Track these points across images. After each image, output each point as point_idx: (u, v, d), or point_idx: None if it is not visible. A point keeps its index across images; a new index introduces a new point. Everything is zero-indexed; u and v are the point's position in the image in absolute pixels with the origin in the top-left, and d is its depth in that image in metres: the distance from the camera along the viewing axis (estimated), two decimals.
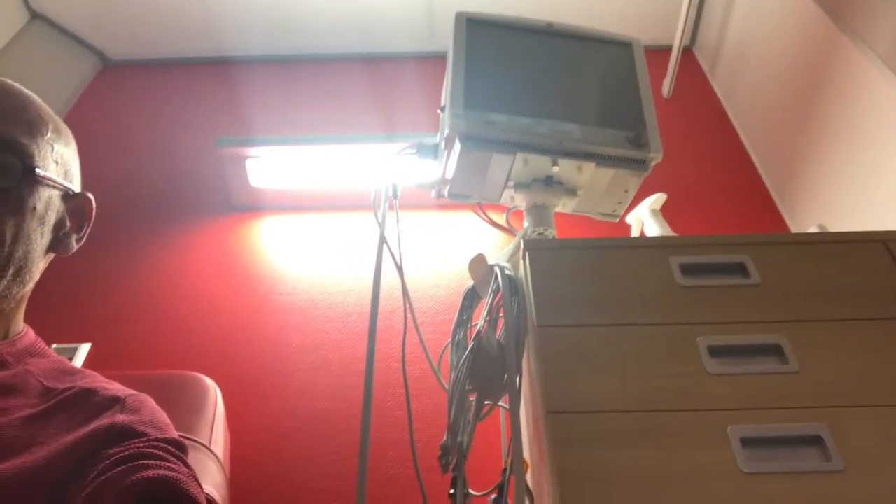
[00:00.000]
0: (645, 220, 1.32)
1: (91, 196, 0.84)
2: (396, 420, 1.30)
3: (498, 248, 1.64)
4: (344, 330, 1.47)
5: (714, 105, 2.02)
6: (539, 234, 1.17)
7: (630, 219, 1.37)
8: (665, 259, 1.00)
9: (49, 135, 0.77)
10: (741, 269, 0.99)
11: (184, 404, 1.02)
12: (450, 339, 1.13)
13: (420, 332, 1.20)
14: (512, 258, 1.19)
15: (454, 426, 0.92)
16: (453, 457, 0.93)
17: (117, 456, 0.61)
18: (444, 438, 0.94)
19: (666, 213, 1.33)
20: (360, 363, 1.41)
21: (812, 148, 1.70)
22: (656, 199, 1.33)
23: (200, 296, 1.55)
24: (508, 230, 1.64)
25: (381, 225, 1.18)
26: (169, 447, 0.66)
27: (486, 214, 1.69)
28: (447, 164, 1.24)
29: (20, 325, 0.78)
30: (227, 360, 1.42)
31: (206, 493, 0.85)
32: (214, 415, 1.02)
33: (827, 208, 1.62)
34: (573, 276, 0.98)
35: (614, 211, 1.26)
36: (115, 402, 0.69)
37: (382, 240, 1.17)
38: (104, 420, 0.66)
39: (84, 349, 1.45)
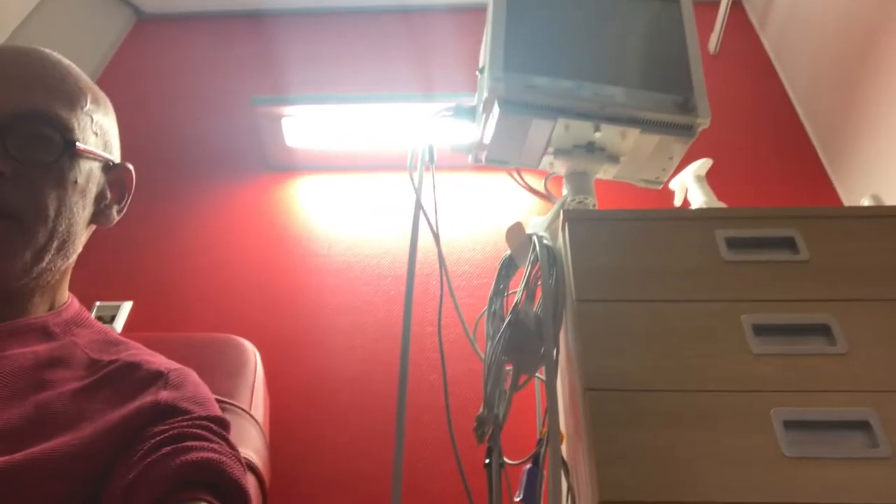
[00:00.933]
0: (689, 186, 1.28)
1: (131, 167, 0.84)
2: (431, 384, 1.32)
3: (535, 211, 1.61)
4: (379, 293, 1.48)
5: (763, 63, 1.93)
6: (579, 202, 1.15)
7: (674, 185, 1.33)
8: (710, 232, 0.97)
9: (88, 106, 0.76)
10: (790, 244, 0.95)
11: (224, 368, 1.04)
12: (486, 308, 1.13)
13: (455, 298, 1.19)
14: (551, 226, 1.16)
15: (490, 399, 0.92)
16: (489, 428, 0.93)
17: (161, 436, 0.62)
18: (481, 410, 0.94)
19: (710, 178, 1.28)
20: (394, 326, 1.42)
21: (867, 112, 1.62)
22: (701, 165, 1.28)
23: (237, 256, 1.56)
24: (546, 197, 1.61)
25: (418, 191, 1.17)
26: (212, 425, 0.67)
27: (523, 180, 1.66)
28: (485, 129, 1.21)
29: (65, 295, 0.80)
30: (264, 322, 1.44)
31: (247, 459, 0.88)
32: (254, 379, 1.03)
33: (882, 178, 1.55)
34: (614, 249, 0.96)
35: (657, 178, 1.22)
36: (159, 377, 0.70)
37: (419, 206, 1.15)
38: (148, 397, 0.67)
39: (126, 307, 1.48)
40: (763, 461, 0.74)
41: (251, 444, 0.91)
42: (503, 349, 0.92)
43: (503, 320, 1.07)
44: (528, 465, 0.96)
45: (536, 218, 1.59)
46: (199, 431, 0.64)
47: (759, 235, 0.96)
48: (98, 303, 1.47)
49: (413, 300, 1.44)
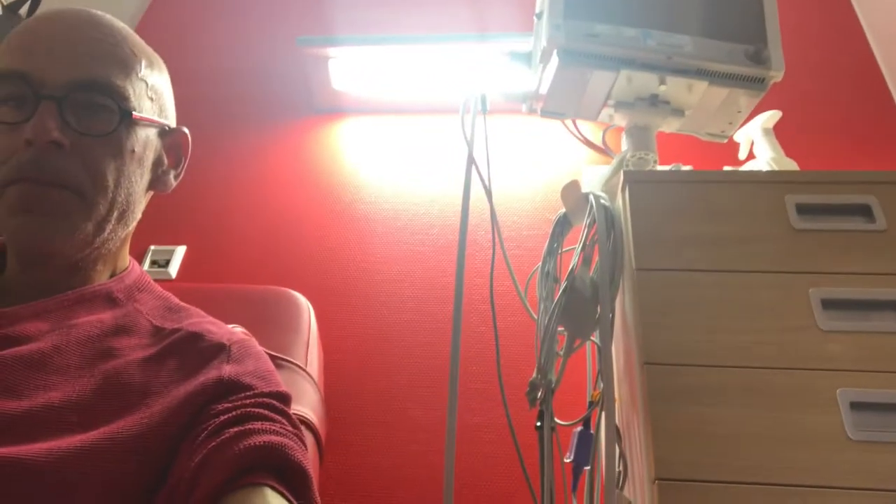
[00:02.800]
0: (756, 139, 1.21)
1: (186, 130, 0.83)
2: (480, 335, 1.32)
3: (590, 161, 1.56)
4: (426, 242, 1.47)
5: (842, 6, 1.78)
6: (640, 158, 1.10)
7: (739, 137, 1.26)
8: (780, 198, 0.92)
9: (143, 70, 0.75)
10: (865, 212, 0.90)
11: (279, 323, 1.05)
12: (538, 266, 1.11)
13: (506, 251, 1.18)
14: (608, 183, 1.13)
15: (543, 364, 0.92)
16: (541, 392, 0.93)
17: (225, 416, 0.62)
18: (534, 375, 0.94)
19: (777, 133, 1.21)
20: (442, 276, 1.42)
21: None
22: (769, 118, 1.21)
23: (283, 201, 1.56)
24: (604, 151, 1.56)
25: (470, 144, 1.13)
26: (274, 402, 0.67)
27: (578, 131, 1.60)
28: (541, 79, 1.16)
29: (126, 260, 0.81)
30: (312, 269, 1.45)
31: (303, 416, 0.90)
32: (309, 334, 1.05)
33: None
34: (676, 214, 0.92)
35: (723, 132, 1.16)
36: (221, 349, 0.71)
37: (471, 161, 1.12)
38: (212, 372, 0.68)
39: (180, 252, 1.50)
40: (827, 443, 0.73)
41: (307, 400, 0.93)
42: (558, 316, 0.91)
43: (556, 281, 1.05)
44: (580, 428, 0.96)
45: (591, 168, 1.55)
46: (261, 411, 0.65)
47: (832, 202, 0.91)
48: (153, 247, 1.50)
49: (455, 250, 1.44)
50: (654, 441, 0.75)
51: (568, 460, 0.95)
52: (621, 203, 0.98)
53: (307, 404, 0.92)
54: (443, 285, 1.40)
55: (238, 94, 1.76)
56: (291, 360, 0.97)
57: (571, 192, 1.06)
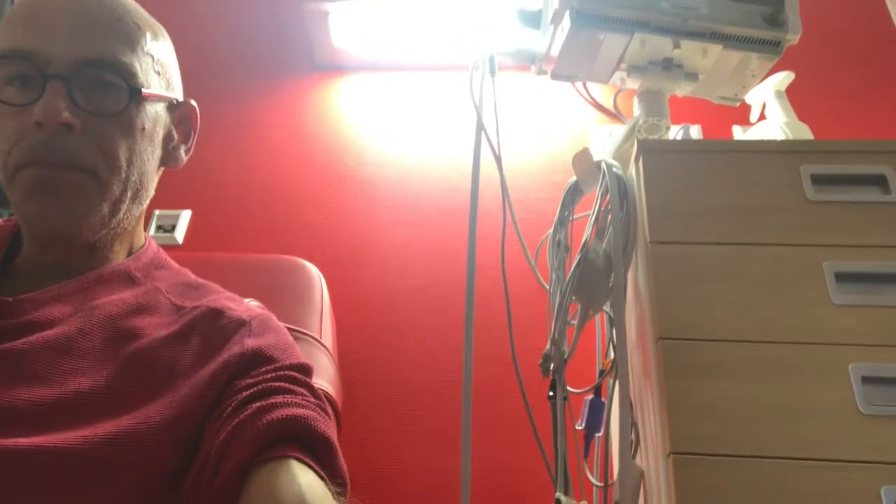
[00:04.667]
0: (768, 102, 1.19)
1: (194, 103, 0.81)
2: (488, 301, 1.32)
3: (598, 121, 1.54)
4: (433, 205, 1.46)
5: None
6: (652, 124, 1.09)
7: (751, 99, 1.24)
8: (795, 168, 0.92)
9: (148, 44, 0.73)
10: (880, 182, 0.90)
11: (292, 294, 1.05)
12: (549, 233, 1.11)
13: (516, 219, 1.17)
14: (619, 150, 1.11)
15: (559, 339, 0.93)
16: (554, 363, 0.94)
17: (248, 392, 0.63)
18: (547, 347, 0.95)
19: (790, 95, 1.20)
20: (449, 240, 1.42)
21: None
22: (782, 80, 1.19)
23: (287, 162, 1.54)
24: (615, 115, 1.53)
25: (479, 109, 1.11)
26: (295, 374, 0.68)
27: (589, 94, 1.57)
28: (552, 41, 1.13)
29: (142, 238, 0.80)
30: (318, 232, 1.44)
31: (322, 389, 0.91)
32: (322, 305, 1.05)
33: None
34: (691, 185, 0.92)
35: (736, 95, 1.14)
36: (242, 325, 0.71)
37: (480, 126, 1.10)
38: (234, 347, 0.68)
39: (185, 216, 1.49)
40: (838, 418, 0.74)
41: (324, 373, 0.94)
42: (573, 290, 0.91)
43: (567, 251, 1.05)
44: (591, 396, 0.98)
45: (599, 128, 1.53)
46: (283, 385, 0.65)
47: (847, 172, 0.91)
48: (157, 211, 1.49)
49: (467, 216, 1.43)
50: (669, 416, 0.76)
51: (579, 427, 0.97)
52: (634, 173, 0.97)
53: (324, 377, 0.93)
54: (450, 249, 1.40)
55: (236, 52, 1.71)
56: (307, 332, 0.98)
57: (583, 160, 1.05)
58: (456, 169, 1.49)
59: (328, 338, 1.02)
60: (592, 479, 0.97)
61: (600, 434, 1.00)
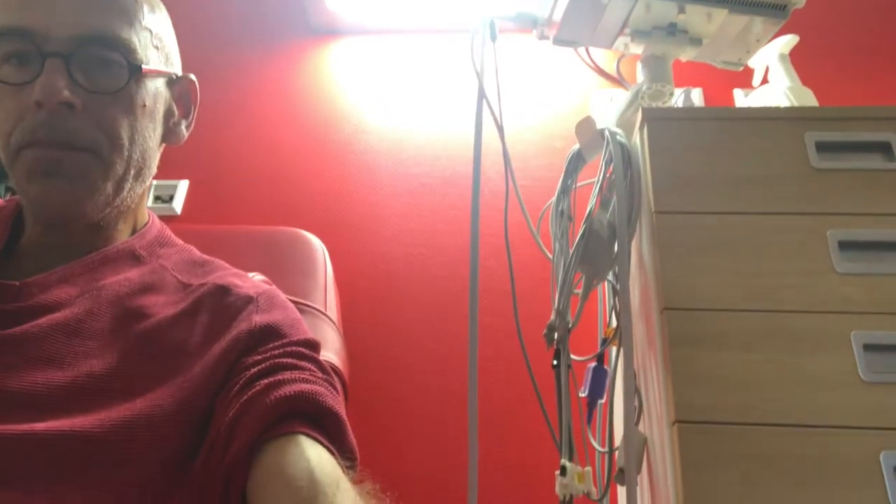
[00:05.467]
0: (772, 65, 1.18)
1: (193, 77, 0.80)
2: (491, 270, 1.33)
3: (601, 85, 1.52)
4: (433, 173, 1.45)
5: None
6: (656, 90, 1.07)
7: (754, 62, 1.23)
8: (800, 135, 0.91)
9: (145, 18, 0.71)
10: (885, 149, 0.90)
11: (296, 267, 1.05)
12: (551, 202, 1.11)
13: (518, 187, 1.17)
14: (623, 116, 1.11)
15: (564, 310, 0.93)
16: (559, 333, 0.95)
17: (255, 369, 0.63)
18: (552, 317, 0.96)
19: (794, 58, 1.18)
20: (450, 210, 1.41)
21: None
22: (786, 43, 1.18)
23: (283, 130, 1.52)
24: (619, 81, 1.51)
25: (480, 77, 1.10)
26: (303, 350, 0.68)
27: (591, 59, 1.55)
28: (555, 6, 1.11)
29: (145, 215, 0.80)
30: (316, 201, 1.43)
31: (329, 362, 0.91)
32: (326, 277, 1.05)
33: None
34: (696, 153, 0.91)
35: (739, 60, 1.13)
36: (249, 301, 0.71)
37: (482, 94, 1.09)
38: (242, 324, 0.68)
39: (183, 186, 1.48)
40: (840, 385, 0.76)
41: (331, 345, 0.95)
42: (578, 261, 0.91)
43: (571, 220, 1.05)
44: (594, 364, 0.99)
45: (602, 92, 1.51)
46: (291, 361, 0.66)
47: (852, 140, 0.90)
48: (154, 182, 1.47)
49: (466, 185, 1.42)
50: (674, 385, 0.78)
51: (583, 395, 0.99)
52: (639, 141, 0.96)
53: (331, 349, 0.94)
54: (451, 218, 1.40)
55: (229, 17, 1.68)
56: (312, 305, 0.98)
57: (586, 128, 1.04)
58: (455, 136, 1.48)
59: (333, 310, 1.02)
60: (596, 445, 0.99)
61: (603, 401, 1.02)
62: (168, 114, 0.77)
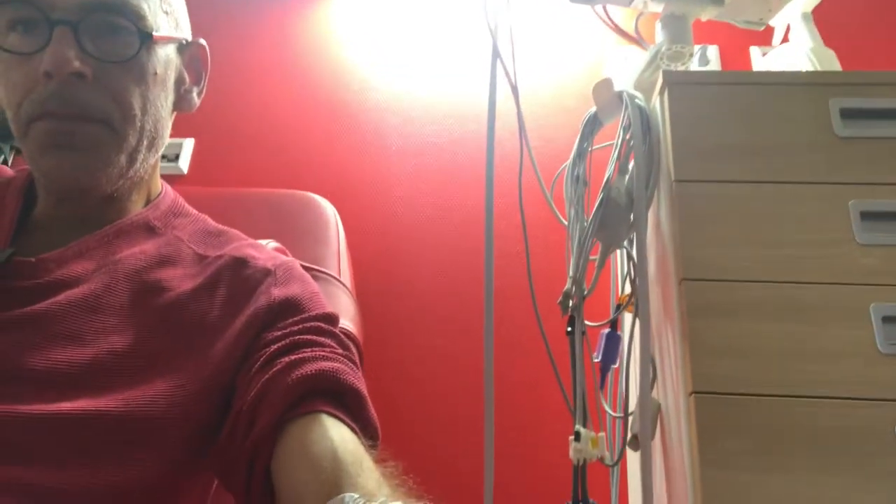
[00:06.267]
0: (793, 25, 1.14)
1: (204, 42, 0.78)
2: (501, 231, 1.32)
3: (617, 43, 1.48)
4: (442, 133, 1.42)
5: None
6: (676, 51, 1.04)
7: (774, 20, 1.19)
8: (824, 101, 0.89)
9: None
10: None
11: (308, 232, 1.04)
12: (565, 165, 1.09)
13: (531, 150, 1.15)
14: (641, 77, 1.08)
15: (580, 278, 0.93)
16: (574, 300, 0.95)
17: (275, 347, 0.63)
18: (567, 285, 0.95)
19: (817, 18, 1.14)
20: (460, 171, 1.39)
21: None
22: (810, 1, 1.14)
23: (289, 87, 1.49)
24: (636, 39, 1.47)
25: (494, 35, 1.07)
26: (321, 325, 0.68)
27: (609, 17, 1.50)
28: None
29: (159, 185, 0.78)
30: (324, 160, 1.41)
31: (345, 329, 0.91)
32: (339, 242, 1.04)
33: None
34: (717, 119, 0.89)
35: (761, 19, 1.10)
36: (267, 274, 0.71)
37: (496, 55, 1.06)
38: (261, 298, 0.68)
39: (188, 144, 1.46)
40: (858, 357, 0.76)
41: (346, 312, 0.95)
42: (597, 229, 0.90)
43: (586, 185, 1.04)
44: (607, 330, 0.99)
45: (619, 49, 1.47)
46: (309, 337, 0.65)
47: (877, 106, 0.88)
48: None
49: (476, 141, 1.40)
50: (692, 356, 0.78)
51: (596, 360, 0.99)
52: (659, 107, 0.94)
53: (346, 315, 0.94)
54: (461, 180, 1.38)
55: None
56: (325, 271, 0.97)
57: (603, 90, 1.02)
58: (466, 95, 1.45)
59: (346, 276, 1.02)
60: (609, 410, 1.00)
61: (615, 366, 1.03)
62: (179, 81, 0.75)
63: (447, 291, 1.29)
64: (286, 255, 0.82)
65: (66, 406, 0.56)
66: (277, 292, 0.69)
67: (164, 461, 0.58)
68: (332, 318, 0.71)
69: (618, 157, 0.94)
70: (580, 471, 0.91)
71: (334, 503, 0.49)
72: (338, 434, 0.58)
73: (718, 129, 0.89)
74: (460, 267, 1.31)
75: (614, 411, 1.03)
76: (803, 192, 0.85)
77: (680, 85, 0.92)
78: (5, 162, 1.16)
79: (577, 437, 0.90)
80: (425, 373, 1.24)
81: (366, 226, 1.34)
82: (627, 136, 0.95)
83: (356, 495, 0.49)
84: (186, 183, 1.40)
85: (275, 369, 0.61)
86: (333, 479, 0.53)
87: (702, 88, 0.91)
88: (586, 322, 1.00)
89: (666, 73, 0.93)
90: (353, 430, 0.60)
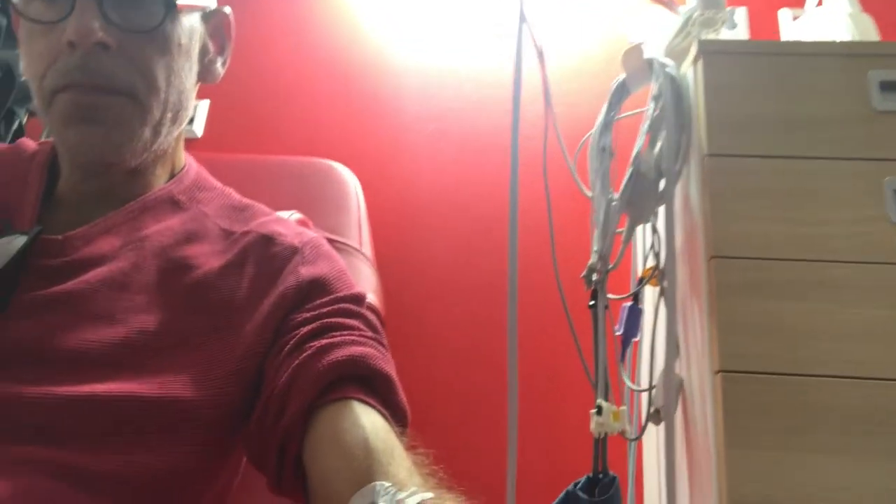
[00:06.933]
0: None
1: (228, 10, 0.75)
2: (522, 199, 1.30)
3: (644, 5, 1.43)
4: (459, 97, 1.39)
5: None
6: (709, 17, 1.01)
7: None
8: (862, 73, 0.87)
9: None
10: None
11: (328, 201, 1.03)
12: (589, 134, 1.07)
13: (556, 118, 1.12)
14: (671, 43, 1.05)
15: (605, 252, 0.92)
16: (599, 274, 0.94)
17: (305, 330, 0.62)
18: (592, 259, 0.95)
19: None
20: (480, 136, 1.37)
21: None
22: None
23: (304, 51, 1.45)
24: (667, 2, 1.42)
25: None
26: (350, 307, 0.67)
27: None
28: None
29: (182, 159, 0.77)
30: (342, 127, 1.38)
31: (370, 304, 0.91)
32: (359, 212, 1.03)
33: None
34: (752, 91, 0.87)
35: None
36: (294, 252, 0.70)
37: (522, 18, 1.03)
38: (289, 278, 0.67)
39: (203, 106, 1.43)
40: (889, 337, 0.75)
41: (367, 284, 0.94)
42: (626, 203, 0.89)
43: (612, 156, 1.02)
44: (629, 303, 0.99)
45: (647, 15, 1.42)
46: (339, 320, 0.64)
47: None
48: None
49: (497, 108, 1.37)
50: (719, 334, 0.77)
51: (618, 333, 0.99)
52: (692, 77, 0.91)
53: (368, 287, 0.93)
54: (482, 146, 1.36)
55: None
56: (347, 242, 0.97)
57: (633, 57, 0.99)
58: (483, 58, 1.41)
59: (367, 247, 1.01)
60: (630, 384, 1.00)
61: (636, 339, 1.03)
62: (203, 51, 0.73)
63: (468, 261, 1.28)
64: (309, 227, 0.81)
65: (99, 388, 0.56)
66: (305, 271, 0.68)
67: (196, 444, 0.59)
68: (359, 299, 0.70)
69: (649, 129, 0.92)
70: (601, 444, 0.91)
71: (366, 491, 0.49)
72: (369, 421, 0.58)
73: (753, 101, 0.86)
74: (484, 234, 1.30)
75: (634, 384, 1.04)
76: (838, 167, 0.83)
77: (715, 55, 0.89)
78: (20, 127, 1.14)
79: (599, 410, 0.90)
80: (445, 344, 1.24)
81: (383, 193, 1.33)
82: (658, 107, 0.93)
83: (387, 484, 0.49)
84: (200, 146, 1.38)
85: (305, 354, 0.61)
86: (365, 468, 0.53)
87: (738, 59, 0.88)
88: (610, 295, 1.00)
89: (701, 43, 0.90)
90: (383, 416, 0.60)
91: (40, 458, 0.53)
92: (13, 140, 1.17)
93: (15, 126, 1.15)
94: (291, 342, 0.62)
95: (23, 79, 1.09)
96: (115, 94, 0.63)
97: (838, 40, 0.98)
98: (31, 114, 1.20)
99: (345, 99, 1.41)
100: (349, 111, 1.40)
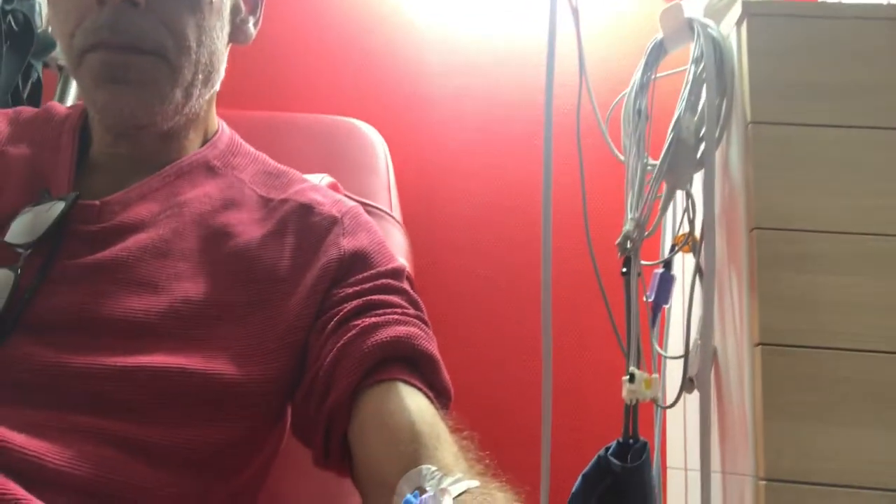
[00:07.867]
0: None
1: None
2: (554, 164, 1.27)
3: None
4: (484, 53, 1.35)
5: None
6: None
7: None
8: None
9: None
10: None
11: (356, 162, 1.01)
12: (623, 94, 1.04)
13: (589, 79, 1.09)
14: (712, 2, 1.00)
15: (641, 219, 0.90)
16: (633, 242, 0.93)
17: (348, 308, 0.61)
18: (628, 226, 0.93)
19: None
20: (504, 93, 1.33)
21: None
22: None
23: (323, 4, 1.41)
24: None
25: None
26: (391, 282, 0.66)
27: None
28: None
29: (215, 123, 0.75)
30: (363, 82, 1.35)
31: (408, 274, 0.90)
32: (388, 175, 1.01)
33: None
34: (800, 56, 0.84)
35: None
36: (334, 223, 0.68)
37: None
38: (331, 250, 0.66)
39: None
40: None
41: (399, 249, 0.93)
42: (666, 171, 0.87)
43: (648, 119, 0.99)
44: (661, 270, 0.98)
45: None
46: (381, 297, 0.63)
47: None
48: None
49: (518, 63, 1.33)
50: (760, 307, 0.77)
51: (648, 300, 0.98)
52: (735, 40, 0.88)
53: (399, 252, 0.92)
54: (504, 102, 1.32)
55: None
56: (377, 206, 0.95)
57: (672, 16, 0.96)
58: (512, 11, 1.36)
59: (397, 210, 0.99)
60: (660, 350, 1.00)
61: (667, 306, 1.02)
62: (235, 10, 0.70)
63: (495, 219, 1.26)
64: (339, 192, 0.80)
65: (145, 360, 0.55)
66: (347, 243, 0.67)
67: (243, 419, 0.58)
68: (399, 273, 0.69)
69: (689, 94, 0.89)
70: (632, 411, 0.92)
71: (412, 475, 0.49)
72: (415, 404, 0.57)
73: (800, 66, 0.83)
74: (512, 195, 1.27)
75: (664, 351, 1.03)
76: (888, 138, 0.80)
77: (762, 17, 0.85)
78: (39, 80, 1.11)
79: (632, 378, 0.90)
80: (473, 308, 1.24)
81: (407, 151, 1.30)
82: (699, 70, 0.90)
83: (433, 468, 0.49)
84: (216, 103, 1.35)
85: (350, 334, 0.60)
86: (411, 452, 0.52)
87: (785, 21, 0.85)
88: (642, 262, 0.99)
89: (746, 4, 0.86)
90: (428, 397, 0.60)
91: (90, 426, 0.53)
92: (31, 94, 1.15)
93: (33, 78, 1.12)
94: (335, 319, 0.61)
95: (40, 30, 1.06)
96: (145, 53, 0.60)
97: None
98: (46, 65, 1.16)
99: (364, 55, 1.37)
100: (369, 67, 1.36)
